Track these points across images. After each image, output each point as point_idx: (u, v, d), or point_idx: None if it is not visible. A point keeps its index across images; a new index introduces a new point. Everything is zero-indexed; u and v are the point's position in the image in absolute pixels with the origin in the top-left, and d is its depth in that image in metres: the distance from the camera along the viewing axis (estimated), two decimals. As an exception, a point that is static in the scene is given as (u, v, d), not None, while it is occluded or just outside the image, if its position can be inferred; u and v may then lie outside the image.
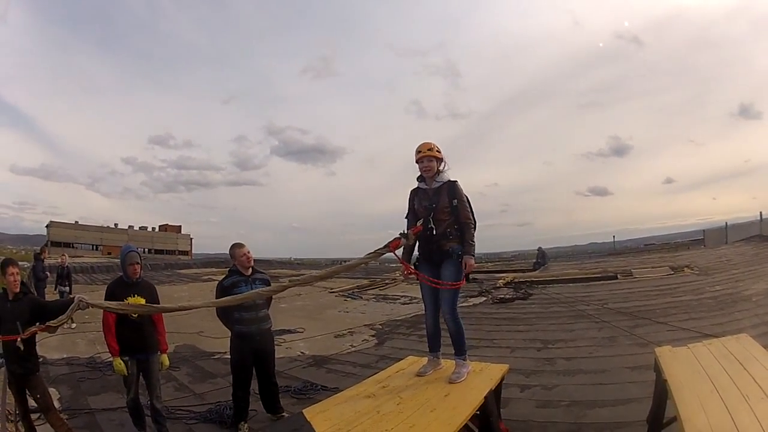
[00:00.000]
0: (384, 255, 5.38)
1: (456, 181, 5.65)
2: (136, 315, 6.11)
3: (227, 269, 7.27)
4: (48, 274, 16.77)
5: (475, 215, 5.71)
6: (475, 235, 5.59)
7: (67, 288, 16.26)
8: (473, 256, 5.50)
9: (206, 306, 6.15)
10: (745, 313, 11.49)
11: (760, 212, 32.92)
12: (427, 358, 5.85)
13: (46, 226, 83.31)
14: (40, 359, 6.20)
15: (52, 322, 4.80)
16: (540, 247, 34.77)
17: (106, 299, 5.84)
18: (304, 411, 4.68)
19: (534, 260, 34.04)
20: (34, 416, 6.08)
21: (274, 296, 7.34)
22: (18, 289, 5.60)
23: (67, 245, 73.76)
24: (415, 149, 5.69)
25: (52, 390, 6.37)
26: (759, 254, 23.42)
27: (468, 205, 5.63)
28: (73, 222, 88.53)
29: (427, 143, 5.65)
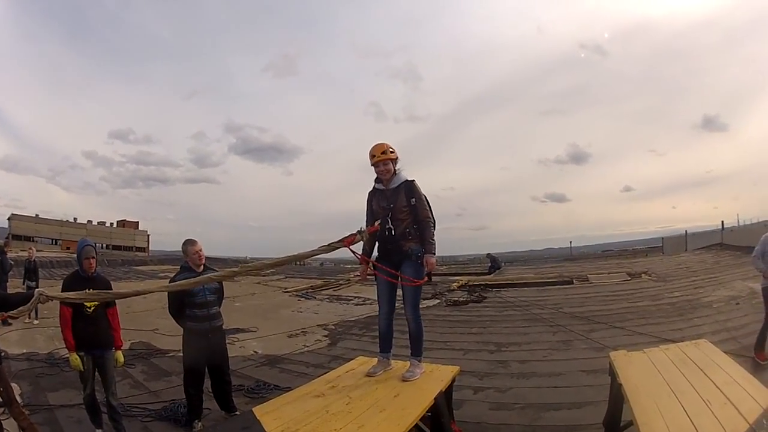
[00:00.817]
0: (338, 250, 5.34)
1: (413, 180, 5.62)
2: (91, 309, 6.19)
3: (179, 266, 7.21)
4: (12, 265, 16.45)
5: (434, 214, 5.67)
6: (435, 233, 5.56)
7: (34, 282, 15.99)
8: (434, 254, 5.49)
9: (159, 290, 6.01)
10: (705, 319, 11.58)
11: (722, 221, 33.68)
12: (377, 359, 5.77)
13: (8, 219, 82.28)
14: (2, 353, 6.08)
15: (12, 312, 4.76)
16: (489, 254, 35.40)
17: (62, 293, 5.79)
18: (254, 409, 4.66)
19: (488, 264, 34.13)
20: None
21: (225, 294, 7.37)
22: None
23: (28, 239, 72.93)
24: (369, 152, 5.64)
25: (12, 385, 6.23)
26: (719, 262, 23.73)
27: (426, 204, 5.59)
28: (34, 215, 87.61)
29: (380, 145, 5.61)
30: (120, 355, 6.60)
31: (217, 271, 6.99)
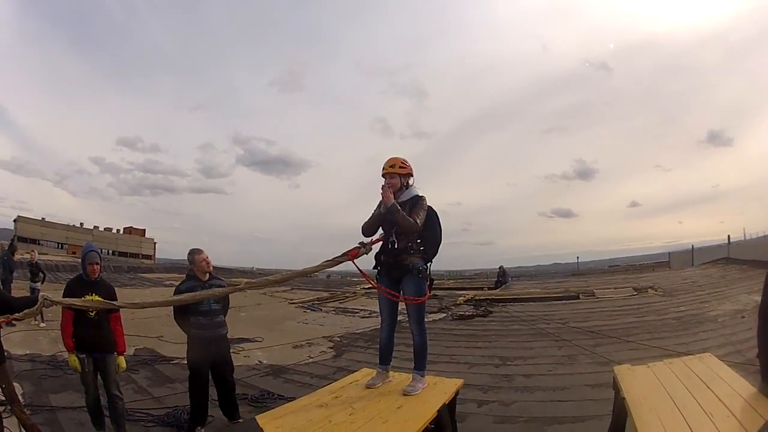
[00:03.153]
0: (342, 263, 5.29)
1: (422, 196, 5.60)
2: (93, 313, 6.19)
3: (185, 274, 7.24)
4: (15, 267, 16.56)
5: (441, 232, 5.70)
6: (408, 228, 5.38)
7: (39, 284, 16.06)
8: (392, 207, 5.34)
9: (162, 305, 6.05)
10: (710, 333, 11.54)
11: (728, 235, 33.45)
12: (376, 371, 5.77)
13: (14, 221, 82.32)
14: (5, 353, 6.06)
15: (18, 315, 4.81)
16: (501, 266, 34.78)
17: (64, 296, 5.90)
18: (257, 417, 4.68)
19: (495, 279, 34.01)
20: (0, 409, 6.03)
21: (231, 304, 7.44)
22: None
23: (33, 241, 72.90)
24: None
25: (15, 385, 6.26)
26: (726, 276, 23.59)
27: (425, 216, 5.53)
28: (40, 218, 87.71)
29: (392, 159, 5.64)
30: (122, 361, 6.62)
31: (222, 280, 7.16)
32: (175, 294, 6.74)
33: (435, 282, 5.74)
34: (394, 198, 5.49)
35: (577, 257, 57.66)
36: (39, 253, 18.39)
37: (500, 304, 20.76)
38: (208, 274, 6.98)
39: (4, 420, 5.86)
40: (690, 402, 4.00)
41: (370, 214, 5.62)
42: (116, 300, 6.51)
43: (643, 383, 4.80)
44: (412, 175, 5.69)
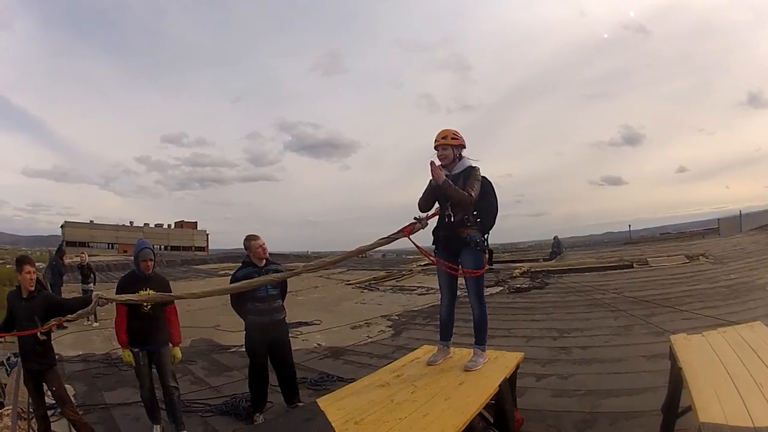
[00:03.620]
0: (398, 240, 5.35)
1: (476, 166, 5.58)
2: (148, 308, 6.25)
3: (241, 262, 7.29)
4: (65, 270, 16.92)
5: (497, 202, 5.73)
6: (465, 203, 5.40)
7: (91, 285, 16.33)
8: (443, 181, 5.34)
9: (218, 293, 6.12)
10: (759, 301, 11.48)
11: (774, 200, 32.79)
12: (437, 347, 5.84)
13: (61, 227, 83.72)
14: (56, 356, 6.22)
15: (70, 316, 4.93)
16: (555, 236, 34.49)
17: (117, 293, 5.96)
18: (318, 400, 4.72)
19: (550, 250, 33.84)
20: (50, 413, 6.12)
21: (288, 288, 7.46)
22: (33, 288, 5.64)
23: (83, 244, 73.54)
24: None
25: (67, 386, 6.37)
26: (773, 243, 23.03)
27: (481, 186, 5.52)
28: (88, 222, 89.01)
29: (444, 131, 5.62)
30: (178, 351, 6.65)
31: (279, 265, 7.19)
32: (231, 281, 6.87)
33: (492, 255, 5.76)
34: (448, 170, 5.53)
35: (629, 225, 56.64)
36: (89, 255, 18.75)
37: (556, 275, 20.86)
38: (264, 260, 7.01)
39: (53, 423, 6.07)
40: (742, 372, 4.05)
41: (424, 189, 5.62)
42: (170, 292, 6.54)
43: (698, 353, 4.83)
44: (465, 147, 5.68)
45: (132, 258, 6.89)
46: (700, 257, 20.83)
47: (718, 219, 43.00)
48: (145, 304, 6.16)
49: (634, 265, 21.37)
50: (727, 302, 11.74)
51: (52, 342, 5.81)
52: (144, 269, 6.45)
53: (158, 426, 6.48)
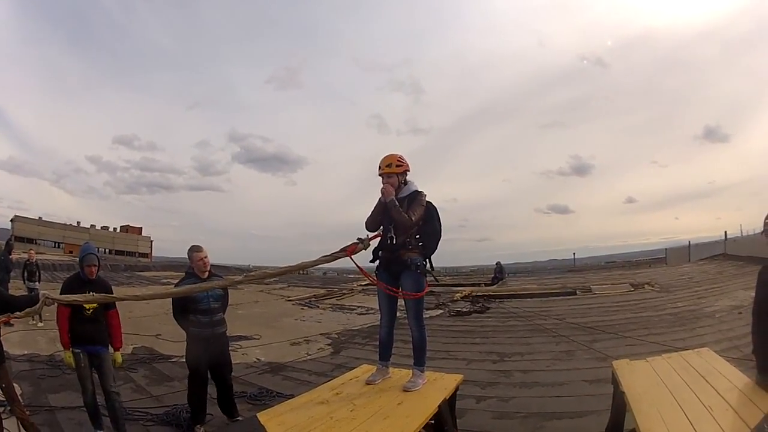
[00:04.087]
0: (341, 259, 5.32)
1: (421, 192, 5.60)
2: (90, 311, 6.27)
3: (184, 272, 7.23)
4: (13, 266, 16.60)
5: (441, 227, 5.71)
6: (404, 223, 5.40)
7: (36, 284, 16.10)
8: (390, 201, 5.40)
9: (160, 296, 6.07)
10: (707, 329, 11.60)
11: (725, 231, 33.56)
12: (376, 367, 5.81)
13: (11, 221, 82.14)
14: (4, 353, 6.07)
15: (18, 314, 4.82)
16: (498, 262, 34.75)
17: (62, 294, 5.88)
18: (258, 414, 4.74)
19: (492, 275, 34.05)
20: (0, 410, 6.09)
21: (229, 302, 7.36)
22: None
23: (31, 241, 72.61)
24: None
25: (14, 385, 6.26)
26: (723, 272, 23.56)
27: (421, 210, 5.53)
28: (37, 218, 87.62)
29: (388, 158, 5.62)
30: (118, 356, 6.66)
31: (222, 278, 7.02)
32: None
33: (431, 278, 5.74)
34: (397, 193, 5.50)
35: (574, 253, 57.26)
36: (36, 253, 18.41)
37: (497, 300, 20.78)
38: (207, 273, 6.91)
39: (3, 420, 5.87)
40: (689, 396, 4.04)
41: (371, 210, 5.62)
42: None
43: (642, 378, 4.85)
44: (409, 170, 5.67)
45: (77, 259, 6.80)
46: (646, 285, 20.99)
47: (666, 249, 43.76)
48: (87, 307, 6.22)
49: (578, 292, 21.55)
50: (673, 329, 11.87)
51: (0, 339, 5.70)
52: (88, 274, 6.45)
53: None
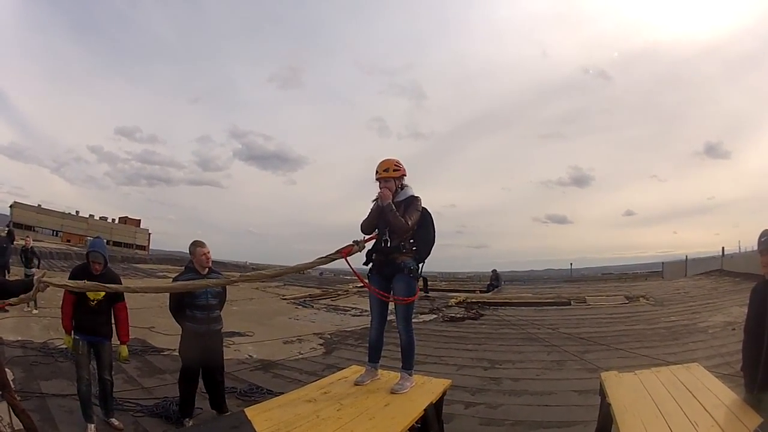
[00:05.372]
0: (335, 261, 5.28)
1: (417, 197, 5.61)
2: (94, 303, 6.38)
3: (183, 266, 7.25)
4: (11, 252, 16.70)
5: (435, 234, 5.71)
6: (400, 229, 5.43)
7: (35, 270, 15.72)
8: (386, 206, 5.41)
9: (156, 290, 6.00)
10: (699, 344, 11.58)
11: (723, 247, 33.43)
12: (365, 368, 5.83)
13: (10, 207, 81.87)
14: None
15: (12, 300, 4.92)
16: (494, 270, 34.67)
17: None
18: (246, 410, 4.74)
19: (488, 282, 34.00)
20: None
21: (227, 298, 7.38)
22: None
23: (29, 228, 72.00)
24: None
25: (6, 370, 6.23)
26: (718, 288, 23.58)
27: (418, 215, 5.54)
28: (36, 205, 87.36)
29: (385, 162, 5.64)
30: (124, 350, 6.80)
31: (222, 275, 7.02)
32: (172, 287, 6.74)
33: (427, 283, 5.73)
34: (394, 197, 5.51)
35: (570, 264, 57.00)
36: (34, 240, 18.45)
37: (491, 307, 20.80)
38: (207, 269, 6.90)
39: None
40: (675, 410, 4.04)
41: (368, 212, 5.63)
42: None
43: (629, 390, 4.86)
44: (405, 175, 5.68)
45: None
46: (641, 299, 21.00)
47: (663, 262, 43.66)
48: (91, 297, 6.31)
49: (572, 302, 21.56)
50: (666, 343, 11.86)
51: None
52: (93, 270, 6.44)
53: (92, 425, 6.36)
